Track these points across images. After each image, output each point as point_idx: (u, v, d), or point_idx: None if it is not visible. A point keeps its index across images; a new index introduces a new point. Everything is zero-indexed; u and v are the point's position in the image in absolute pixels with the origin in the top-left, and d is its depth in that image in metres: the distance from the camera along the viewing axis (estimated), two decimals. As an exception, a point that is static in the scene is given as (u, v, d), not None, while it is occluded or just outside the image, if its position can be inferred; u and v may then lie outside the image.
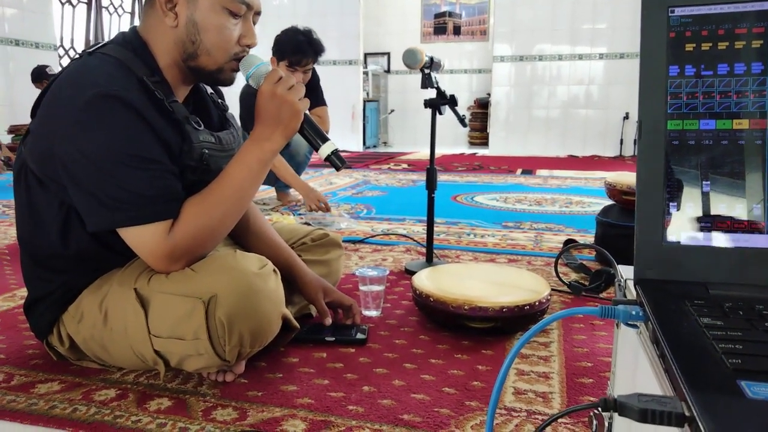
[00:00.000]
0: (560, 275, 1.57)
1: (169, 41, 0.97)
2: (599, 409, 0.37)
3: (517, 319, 1.20)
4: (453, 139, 7.32)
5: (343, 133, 6.38)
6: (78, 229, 0.96)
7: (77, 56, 0.99)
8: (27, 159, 0.97)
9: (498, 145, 6.28)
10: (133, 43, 0.98)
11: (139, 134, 0.90)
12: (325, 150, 1.02)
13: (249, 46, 1.01)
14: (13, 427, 0.88)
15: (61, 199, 0.95)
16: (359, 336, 1.19)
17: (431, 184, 1.67)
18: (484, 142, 7.20)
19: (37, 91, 4.42)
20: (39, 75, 4.53)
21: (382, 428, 0.87)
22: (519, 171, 4.45)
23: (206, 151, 0.99)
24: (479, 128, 7.70)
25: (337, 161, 1.04)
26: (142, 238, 0.92)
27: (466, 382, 1.02)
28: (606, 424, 0.58)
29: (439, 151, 5.99)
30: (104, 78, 0.90)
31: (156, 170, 0.91)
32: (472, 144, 7.76)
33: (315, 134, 1.03)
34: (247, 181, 0.99)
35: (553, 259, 1.66)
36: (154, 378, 1.01)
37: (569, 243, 1.94)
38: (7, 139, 4.76)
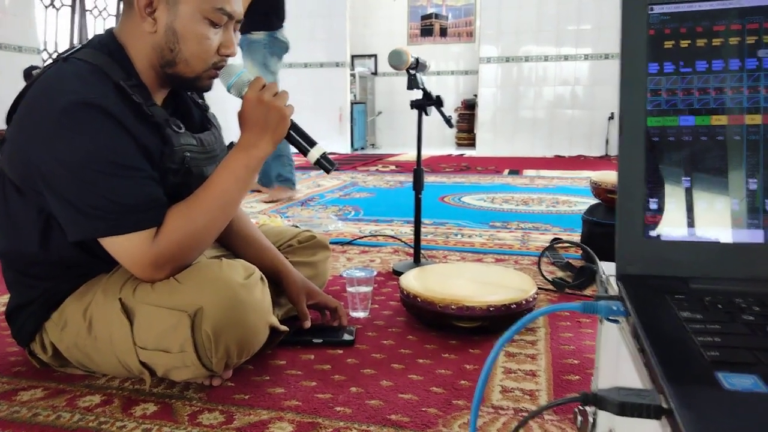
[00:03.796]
0: (545, 273, 1.58)
1: (147, 46, 0.96)
2: (581, 403, 0.37)
3: (504, 318, 1.20)
4: (440, 141, 7.34)
5: (331, 136, 6.38)
6: (59, 237, 0.94)
7: (52, 63, 0.97)
8: (4, 167, 0.96)
9: (485, 146, 6.30)
10: (109, 46, 0.96)
11: (117, 141, 0.89)
12: (314, 154, 1.02)
13: (228, 56, 1.00)
14: (-5, 435, 0.87)
15: (40, 207, 0.93)
16: (347, 337, 1.19)
17: (418, 185, 1.68)
18: (471, 143, 7.22)
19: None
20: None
21: (370, 429, 0.86)
22: (506, 171, 4.47)
23: (188, 155, 0.98)
24: (466, 129, 7.72)
25: (326, 164, 1.04)
26: (125, 247, 0.91)
27: (454, 382, 1.02)
28: (590, 420, 0.58)
29: (427, 153, 6.00)
30: (79, 85, 0.89)
31: (136, 177, 0.90)
32: (459, 145, 7.78)
33: (303, 139, 1.03)
34: (233, 189, 0.98)
35: (540, 259, 1.67)
36: (140, 383, 1.00)
37: (555, 242, 1.95)
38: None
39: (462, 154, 6.43)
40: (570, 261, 1.74)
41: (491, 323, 1.20)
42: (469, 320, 1.20)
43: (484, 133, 6.36)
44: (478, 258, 1.88)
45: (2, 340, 1.20)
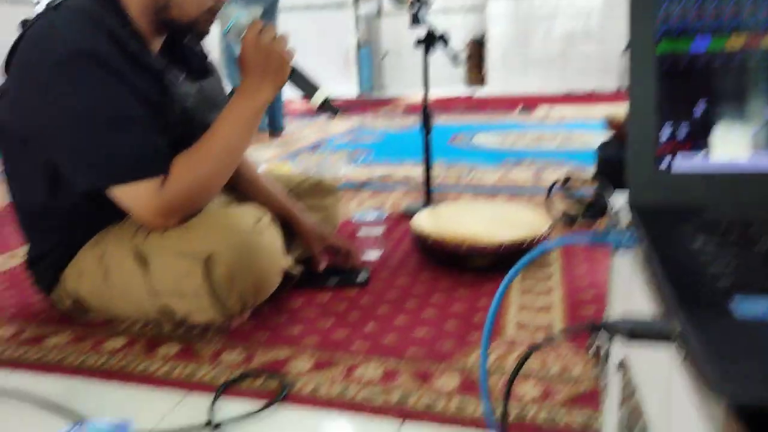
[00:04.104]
0: (557, 210, 1.57)
1: None
2: (592, 331, 0.38)
3: (516, 256, 1.19)
4: (449, 81, 7.19)
5: (337, 80, 6.27)
6: (66, 188, 0.95)
7: (42, 11, 0.93)
8: (5, 120, 0.96)
9: (496, 84, 6.17)
10: None
11: (116, 92, 0.88)
12: (319, 98, 1.01)
13: (224, 0, 0.97)
14: (27, 378, 0.91)
15: (45, 159, 0.94)
16: (361, 278, 1.21)
17: (427, 125, 1.66)
18: (481, 80, 7.08)
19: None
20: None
21: (387, 363, 0.89)
22: (518, 109, 4.40)
23: (188, 103, 0.97)
24: (476, 68, 7.55)
25: (330, 108, 1.02)
26: (132, 197, 0.91)
27: (467, 318, 1.04)
28: (603, 351, 0.59)
29: (436, 93, 5.90)
30: (74, 34, 0.87)
31: (137, 127, 0.90)
32: (469, 84, 7.63)
33: (306, 83, 1.01)
34: (237, 135, 0.97)
35: (554, 195, 1.66)
36: (161, 327, 1.03)
37: (568, 178, 1.93)
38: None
39: (472, 94, 6.31)
40: (584, 196, 1.73)
41: (503, 261, 1.21)
42: (481, 258, 1.21)
43: (494, 70, 6.22)
44: (490, 197, 1.88)
45: (27, 289, 1.23)
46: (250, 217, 0.97)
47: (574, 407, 0.76)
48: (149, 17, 0.95)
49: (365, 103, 5.26)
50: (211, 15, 0.97)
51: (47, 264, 1.04)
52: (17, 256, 1.46)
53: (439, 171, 2.29)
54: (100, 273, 0.99)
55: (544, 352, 0.89)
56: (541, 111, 4.26)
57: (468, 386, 0.82)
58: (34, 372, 0.92)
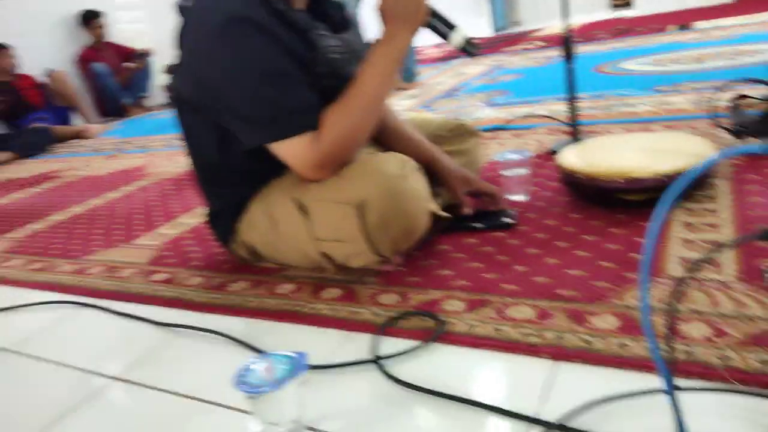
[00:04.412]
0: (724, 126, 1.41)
1: None
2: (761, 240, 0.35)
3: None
4: (591, 4, 6.61)
5: (468, 19, 6.06)
6: (234, 147, 1.05)
7: None
8: (180, 89, 1.07)
9: (645, 2, 5.56)
10: None
11: (270, 51, 0.94)
12: (457, 38, 1.00)
13: None
14: (217, 318, 1.04)
15: (214, 122, 1.04)
16: (507, 220, 1.20)
17: (569, 55, 1.56)
18: (627, 2, 6.41)
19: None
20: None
21: (539, 304, 0.89)
22: (672, 28, 3.94)
23: (334, 56, 1.01)
24: (622, -13, 6.84)
25: (471, 49, 1.01)
26: (291, 150, 0.99)
27: (624, 255, 0.99)
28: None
29: (578, 21, 5.47)
30: (228, 2, 0.94)
31: (291, 84, 0.96)
32: (615, 6, 6.96)
33: (444, 25, 1.01)
34: (379, 83, 1.00)
35: (720, 119, 1.49)
36: (325, 272, 1.12)
37: (739, 98, 1.71)
38: (164, 78, 5.22)
39: (618, 17, 5.76)
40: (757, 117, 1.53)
41: (664, 194, 1.12)
42: (639, 193, 1.13)
43: (643, -13, 5.59)
44: (644, 128, 1.73)
45: (209, 243, 1.40)
46: (396, 162, 1.01)
47: (749, 347, 0.71)
48: None
49: (501, 41, 5.04)
50: None
51: (223, 219, 1.17)
52: (199, 214, 1.66)
53: (584, 104, 2.15)
54: (268, 224, 1.09)
55: (714, 291, 0.83)
56: (701, 27, 3.77)
57: (626, 326, 0.79)
58: (221, 314, 1.06)
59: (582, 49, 3.59)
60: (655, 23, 4.32)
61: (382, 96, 1.02)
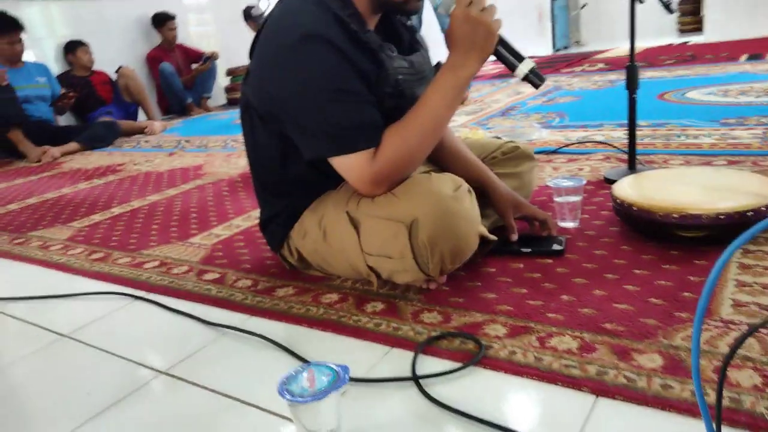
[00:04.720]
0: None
1: None
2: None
3: (738, 227, 1.08)
4: (658, 28, 6.46)
5: (529, 38, 6.02)
6: (295, 158, 1.08)
7: (278, 1, 1.08)
8: (249, 97, 1.11)
9: (715, 29, 5.38)
10: None
11: (340, 69, 0.97)
12: (523, 69, 1.00)
13: None
14: (263, 322, 1.08)
15: (279, 132, 1.08)
16: (556, 247, 1.19)
17: (632, 84, 1.53)
18: (697, 27, 6.24)
19: (245, 31, 4.92)
20: (246, 14, 5.03)
21: (583, 335, 0.88)
22: (743, 57, 3.80)
23: (400, 77, 1.03)
24: (690, 12, 6.67)
25: (535, 79, 1.01)
26: (349, 165, 1.01)
27: (676, 293, 0.97)
28: None
29: (642, 45, 5.35)
30: (305, 18, 0.98)
31: (357, 102, 0.98)
32: (682, 31, 6.78)
33: (511, 54, 1.01)
34: (442, 108, 1.01)
35: (787, 159, 1.43)
36: (369, 284, 1.13)
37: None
38: (225, 80, 5.40)
39: (686, 42, 5.60)
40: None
41: (721, 233, 1.09)
42: (695, 230, 1.10)
43: (713, 13, 5.42)
44: (705, 161, 1.68)
45: (259, 247, 1.44)
46: (449, 183, 1.02)
47: (805, 401, 0.68)
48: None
49: (561, 61, 4.98)
50: None
51: (276, 225, 1.21)
52: (251, 217, 1.71)
53: (644, 132, 2.11)
54: (320, 234, 1.12)
55: (767, 336, 0.80)
56: (776, 57, 3.62)
57: (672, 366, 0.77)
58: (266, 318, 1.09)
59: (646, 75, 3.51)
60: (725, 51, 4.18)
61: (444, 121, 1.03)
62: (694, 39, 5.76)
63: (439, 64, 1.03)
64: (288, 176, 1.13)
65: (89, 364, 1.03)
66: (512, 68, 1.01)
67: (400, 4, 1.03)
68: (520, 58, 1.00)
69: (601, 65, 4.39)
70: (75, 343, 1.11)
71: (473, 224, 1.02)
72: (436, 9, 1.02)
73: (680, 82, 3.14)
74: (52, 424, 0.87)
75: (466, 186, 1.03)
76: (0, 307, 1.32)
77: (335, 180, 1.08)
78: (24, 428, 0.87)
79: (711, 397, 0.71)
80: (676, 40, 6.02)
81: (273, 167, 1.13)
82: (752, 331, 0.39)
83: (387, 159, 1.00)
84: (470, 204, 1.02)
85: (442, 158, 1.25)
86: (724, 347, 0.80)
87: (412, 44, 1.15)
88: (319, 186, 1.14)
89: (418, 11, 1.06)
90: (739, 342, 0.40)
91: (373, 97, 1.01)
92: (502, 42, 1.00)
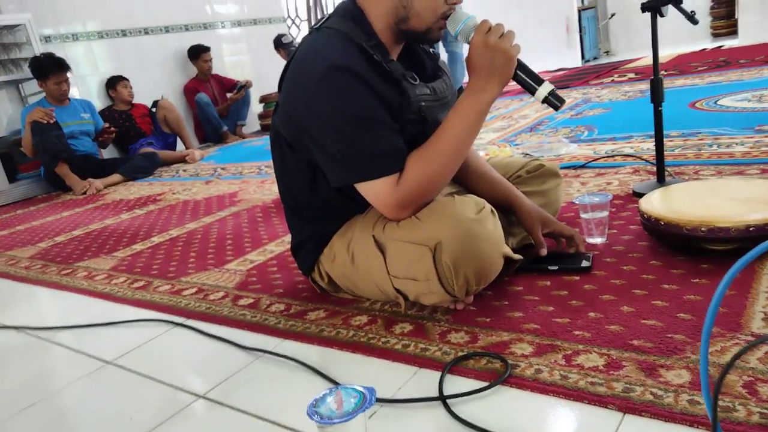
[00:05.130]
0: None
1: (383, 8, 1.05)
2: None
3: (769, 239, 1.06)
4: (690, 34, 6.34)
5: (558, 50, 6.00)
6: (323, 185, 1.12)
7: (308, 33, 1.13)
8: (279, 128, 1.16)
9: (750, 32, 5.26)
10: (351, 12, 1.08)
11: (365, 99, 1.01)
12: (542, 92, 1.02)
13: (455, 3, 1.04)
14: (295, 346, 1.11)
15: (308, 160, 1.12)
16: (584, 264, 1.19)
17: (657, 96, 1.53)
18: (731, 31, 6.10)
19: (277, 59, 5.06)
20: (277, 43, 5.18)
21: (610, 353, 0.88)
22: (780, 60, 3.70)
23: (423, 104, 1.07)
24: (724, 15, 6.52)
25: (555, 101, 1.03)
26: (375, 190, 1.04)
27: (705, 308, 0.96)
28: None
29: (675, 51, 5.27)
30: (331, 51, 1.02)
31: (381, 130, 1.02)
32: (716, 36, 6.64)
33: (530, 78, 1.03)
34: (464, 133, 1.04)
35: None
36: (396, 306, 1.16)
37: None
38: (259, 108, 5.55)
39: (720, 47, 5.49)
40: None
41: (752, 245, 1.07)
42: (724, 243, 1.09)
43: (748, 16, 5.30)
44: (738, 171, 1.66)
45: (291, 272, 1.48)
46: (472, 207, 1.04)
47: (839, 416, 0.67)
48: (391, 29, 1.07)
49: (590, 72, 4.94)
50: (443, 20, 1.05)
51: (306, 250, 1.25)
52: (284, 243, 1.76)
53: (675, 143, 2.08)
54: (348, 258, 1.15)
55: (802, 351, 0.79)
56: (815, 58, 3.52)
57: (700, 382, 0.77)
58: (299, 341, 1.12)
59: (677, 83, 3.46)
60: (760, 54, 4.09)
61: (465, 145, 1.06)
62: (728, 43, 5.64)
63: (461, 89, 1.06)
64: (317, 202, 1.17)
65: (132, 389, 1.08)
66: (532, 91, 1.03)
67: (421, 34, 1.07)
68: (539, 81, 1.02)
69: (631, 75, 4.35)
70: (118, 369, 1.16)
71: (497, 246, 1.03)
72: (455, 37, 1.05)
73: (713, 89, 3.08)
74: (98, 447, 0.91)
75: (489, 208, 1.05)
76: (50, 336, 1.40)
77: (362, 205, 1.11)
78: (73, 452, 0.92)
79: (740, 413, 0.70)
80: (710, 44, 5.90)
81: (302, 193, 1.18)
82: (755, 343, 0.40)
83: (411, 183, 1.03)
84: (493, 226, 1.03)
85: (467, 179, 1.27)
86: (754, 362, 0.79)
87: (435, 71, 1.18)
88: (347, 211, 1.18)
89: (439, 40, 1.09)
90: (739, 353, 0.40)
91: (397, 124, 1.04)
92: (521, 66, 1.03)
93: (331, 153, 1.05)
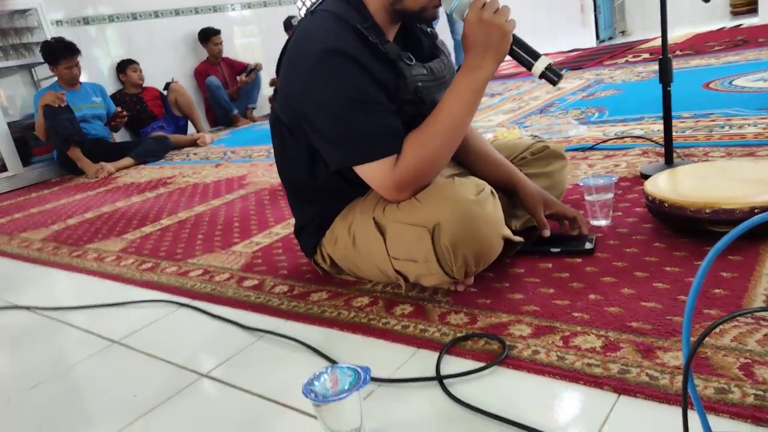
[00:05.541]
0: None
1: None
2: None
3: (775, 221, 1.05)
4: (710, 13, 6.21)
5: (572, 31, 5.90)
6: (322, 168, 1.13)
7: (304, 16, 1.13)
8: (278, 112, 1.16)
9: (771, 11, 5.13)
10: None
11: (360, 81, 1.00)
12: (539, 67, 1.01)
13: None
14: (297, 326, 1.12)
15: (307, 144, 1.12)
16: (586, 246, 1.18)
17: (665, 77, 1.50)
18: (751, 8, 5.96)
19: (285, 44, 5.05)
20: (287, 25, 5.17)
21: (608, 335, 0.88)
22: (800, 39, 3.62)
23: (420, 84, 1.06)
24: (744, -7, 6.37)
25: (552, 76, 1.01)
26: (373, 172, 1.04)
27: (706, 290, 0.95)
28: None
29: (692, 30, 5.16)
30: (326, 34, 1.02)
31: (378, 111, 1.02)
32: (735, 14, 6.49)
33: (526, 53, 1.02)
34: (461, 112, 1.03)
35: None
36: (397, 288, 1.16)
37: None
38: (269, 91, 5.54)
39: (739, 25, 5.36)
40: None
41: (757, 227, 1.06)
42: (728, 225, 1.08)
43: (768, -6, 5.17)
44: (749, 152, 1.63)
45: (295, 254, 1.49)
46: (472, 188, 1.03)
47: (835, 399, 0.66)
48: (386, 10, 1.06)
49: (604, 53, 4.86)
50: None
51: (308, 233, 1.25)
52: (290, 225, 1.77)
53: (686, 124, 2.05)
54: (350, 240, 1.16)
55: (802, 334, 0.78)
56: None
57: (697, 365, 0.76)
58: (301, 322, 1.13)
59: (691, 63, 3.40)
60: (779, 34, 3.99)
61: (463, 124, 1.05)
62: (747, 21, 5.51)
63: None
64: (317, 185, 1.17)
65: (137, 368, 1.10)
66: (528, 66, 1.02)
67: (416, 13, 1.05)
68: (535, 56, 1.01)
69: (645, 55, 4.27)
70: (125, 348, 1.18)
71: (496, 228, 1.03)
72: (450, 14, 1.04)
73: (728, 69, 3.02)
74: (102, 423, 0.93)
75: (488, 189, 1.04)
76: (60, 316, 1.42)
77: (362, 187, 1.11)
78: (77, 426, 0.95)
79: (735, 394, 0.70)
80: (729, 23, 5.77)
81: (302, 177, 1.18)
82: (726, 319, 0.39)
83: (408, 164, 1.03)
84: (493, 208, 1.03)
85: (468, 160, 1.26)
86: (753, 344, 0.79)
87: (433, 51, 1.17)
88: (347, 193, 1.18)
89: (435, 19, 1.08)
90: (709, 329, 0.40)
91: (393, 105, 1.04)
92: (517, 42, 1.01)
93: (328, 136, 1.05)
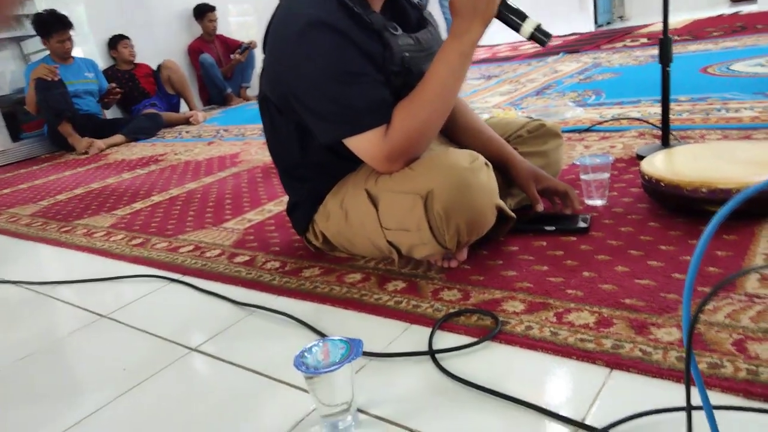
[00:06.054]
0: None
1: None
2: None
3: (771, 201, 1.04)
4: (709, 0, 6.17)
5: (570, 14, 5.85)
6: (313, 144, 1.11)
7: None
8: (266, 90, 1.14)
9: (770, -3, 5.10)
10: None
11: (346, 53, 0.98)
12: (527, 28, 0.99)
13: None
14: (289, 301, 1.11)
15: (296, 121, 1.10)
16: (581, 224, 1.17)
17: (665, 57, 1.48)
18: (750, -5, 5.92)
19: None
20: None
21: (602, 311, 0.87)
22: (798, 25, 3.60)
23: (407, 55, 1.04)
24: (744, -21, 6.32)
25: (541, 37, 1.00)
26: (363, 144, 1.03)
27: (701, 268, 0.95)
28: None
29: (691, 16, 5.13)
30: (309, 7, 0.99)
31: (365, 83, 1.00)
32: (734, 1, 6.45)
33: (514, 15, 1.00)
34: (449, 78, 1.01)
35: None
36: (391, 264, 1.15)
37: None
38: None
39: (738, 12, 5.33)
40: None
41: (753, 207, 1.06)
42: (724, 205, 1.07)
43: (768, -20, 5.13)
44: (745, 135, 1.62)
45: (288, 231, 1.48)
46: (466, 156, 1.02)
47: (828, 375, 0.66)
48: None
49: (602, 37, 4.82)
50: None
51: (301, 210, 1.24)
52: (283, 202, 1.75)
53: (683, 107, 2.04)
54: (342, 215, 1.14)
55: (796, 312, 0.78)
56: (833, 23, 3.42)
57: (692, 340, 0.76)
58: (293, 297, 1.12)
59: (690, 48, 3.38)
60: (777, 20, 3.97)
61: (452, 90, 1.03)
62: (746, 8, 5.48)
63: None
64: (308, 162, 1.15)
65: (126, 342, 1.09)
66: (517, 28, 1.00)
67: None
68: (523, 17, 0.99)
69: (643, 40, 4.24)
70: (113, 323, 1.17)
71: (490, 196, 1.02)
72: None
73: (726, 54, 3.01)
74: (91, 395, 0.92)
75: (483, 159, 1.03)
76: (50, 291, 1.41)
77: (354, 162, 1.10)
78: (65, 399, 0.93)
79: (727, 369, 0.70)
80: (728, 10, 5.74)
81: (294, 155, 1.16)
82: (717, 288, 0.38)
83: (398, 134, 1.01)
84: (487, 176, 1.02)
85: (459, 135, 1.25)
86: (746, 321, 0.78)
87: (420, 21, 1.15)
88: (339, 169, 1.16)
89: None
90: (716, 287, 0.39)
91: (381, 76, 1.02)
92: (505, 4, 0.99)
93: (316, 110, 1.03)
